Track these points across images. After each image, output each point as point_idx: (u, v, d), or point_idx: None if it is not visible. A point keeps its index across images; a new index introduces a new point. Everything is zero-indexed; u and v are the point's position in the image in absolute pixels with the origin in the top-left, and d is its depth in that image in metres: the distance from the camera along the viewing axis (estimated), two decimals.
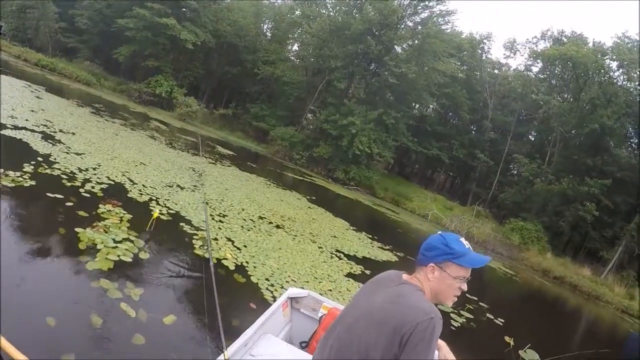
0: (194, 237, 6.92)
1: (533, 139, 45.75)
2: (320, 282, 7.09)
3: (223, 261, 6.28)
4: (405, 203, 33.19)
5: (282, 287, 6.14)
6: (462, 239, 2.10)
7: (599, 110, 32.99)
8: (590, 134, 33.20)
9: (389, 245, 13.02)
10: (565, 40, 39.34)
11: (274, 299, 5.61)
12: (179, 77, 37.34)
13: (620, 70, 34.68)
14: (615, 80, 34.87)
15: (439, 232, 2.13)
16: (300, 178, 25.37)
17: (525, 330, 10.39)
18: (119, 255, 5.08)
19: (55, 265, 4.55)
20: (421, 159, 47.81)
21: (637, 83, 34.14)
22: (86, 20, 37.92)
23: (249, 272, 6.28)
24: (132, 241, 5.67)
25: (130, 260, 5.14)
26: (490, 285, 16.27)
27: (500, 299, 14.65)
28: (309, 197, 17.10)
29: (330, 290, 6.91)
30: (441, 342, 2.47)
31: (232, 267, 6.20)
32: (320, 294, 4.68)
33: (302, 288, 4.36)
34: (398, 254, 12.36)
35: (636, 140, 36.56)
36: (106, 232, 5.62)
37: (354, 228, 13.79)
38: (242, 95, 41.92)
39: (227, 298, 5.22)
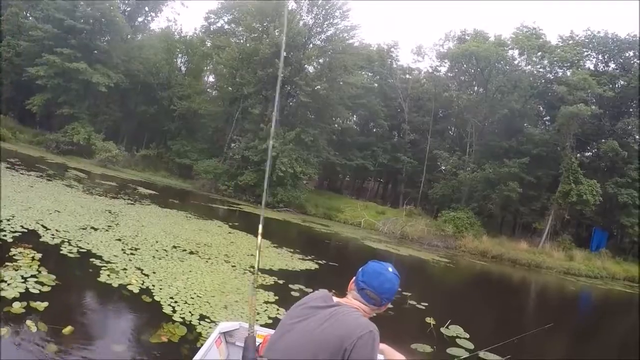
0: (102, 268, 7.67)
1: (452, 133, 47.96)
2: (227, 295, 7.92)
3: (128, 286, 7.09)
4: (337, 216, 34.32)
5: (185, 303, 6.94)
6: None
7: (506, 96, 35.78)
8: (502, 119, 36.00)
9: (311, 256, 13.95)
10: (467, 38, 41.18)
11: (174, 312, 6.45)
12: (96, 122, 36.66)
13: (522, 57, 37.09)
14: (518, 67, 37.49)
15: (390, 269, 2.24)
16: (227, 208, 25.96)
17: (450, 310, 11.11)
18: (26, 288, 5.85)
19: None
20: (348, 171, 48.80)
21: (538, 67, 37.28)
22: None
23: (153, 294, 7.06)
24: (42, 275, 6.43)
25: (37, 291, 5.88)
26: (417, 275, 17.50)
27: (426, 286, 15.66)
28: (231, 224, 17.77)
29: (237, 301, 7.74)
30: (383, 346, 2.57)
31: (136, 291, 7.00)
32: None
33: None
34: (319, 262, 13.40)
35: (548, 117, 39.53)
36: (16, 270, 6.35)
37: (275, 245, 14.54)
38: (162, 134, 41.65)
39: (137, 321, 6.04)
